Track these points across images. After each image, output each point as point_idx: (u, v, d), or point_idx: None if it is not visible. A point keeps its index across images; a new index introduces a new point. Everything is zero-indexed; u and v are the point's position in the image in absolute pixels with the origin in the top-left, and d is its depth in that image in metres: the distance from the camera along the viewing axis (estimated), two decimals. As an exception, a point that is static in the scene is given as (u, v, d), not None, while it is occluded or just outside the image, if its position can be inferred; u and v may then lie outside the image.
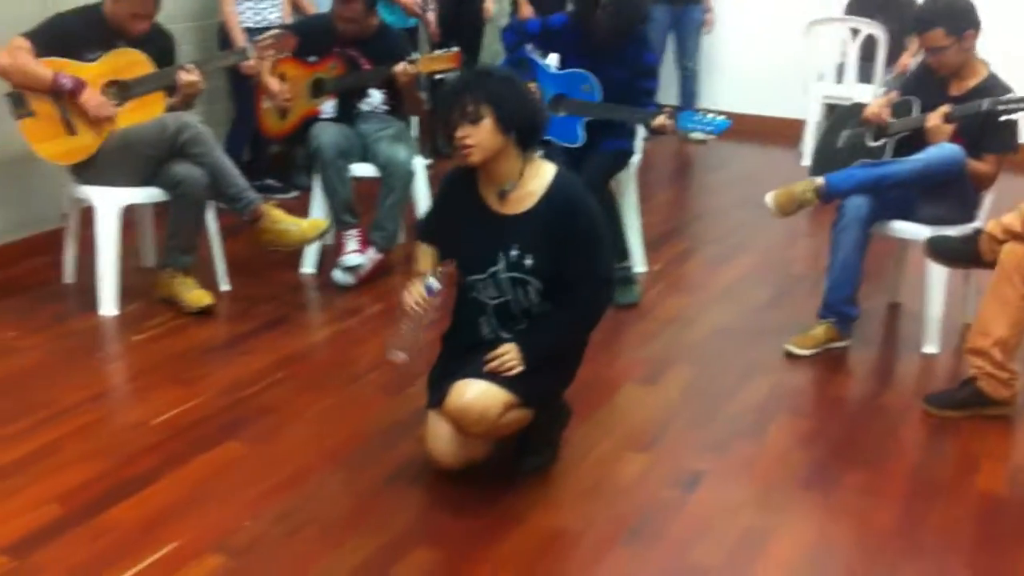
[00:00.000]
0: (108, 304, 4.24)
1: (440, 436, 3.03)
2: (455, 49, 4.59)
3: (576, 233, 2.94)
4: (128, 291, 4.33)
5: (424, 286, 3.02)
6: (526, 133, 2.96)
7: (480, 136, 2.88)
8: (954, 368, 3.99)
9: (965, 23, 3.95)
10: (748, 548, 2.84)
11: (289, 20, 5.45)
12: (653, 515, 3.00)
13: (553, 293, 3.00)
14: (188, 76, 4.22)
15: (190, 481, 3.09)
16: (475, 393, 2.90)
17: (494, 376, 2.93)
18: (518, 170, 2.98)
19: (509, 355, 2.95)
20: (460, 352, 3.09)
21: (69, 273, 4.56)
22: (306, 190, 5.33)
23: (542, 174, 3.00)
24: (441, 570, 2.74)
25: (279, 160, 6.00)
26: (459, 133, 2.89)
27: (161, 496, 3.00)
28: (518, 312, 3.03)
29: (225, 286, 4.53)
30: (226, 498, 3.01)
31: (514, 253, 2.96)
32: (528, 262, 2.95)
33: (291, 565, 2.72)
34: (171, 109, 4.27)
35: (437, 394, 3.04)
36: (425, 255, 3.20)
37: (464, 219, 3.04)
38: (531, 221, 2.96)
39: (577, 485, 3.13)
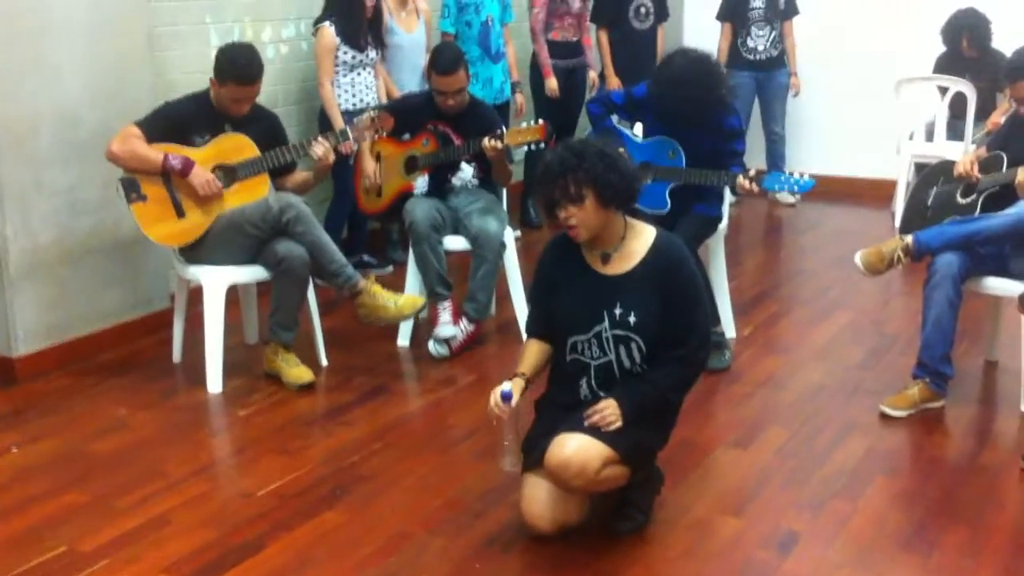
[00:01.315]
0: (214, 381, 4.40)
1: (536, 499, 3.10)
2: (541, 122, 4.72)
3: (678, 290, 3.06)
4: (233, 367, 4.50)
5: (500, 393, 3.09)
6: (626, 201, 3.08)
7: (584, 215, 3.01)
8: (1056, 425, 3.93)
9: None
10: (845, 610, 2.84)
11: (384, 101, 5.65)
12: (748, 576, 3.01)
13: (654, 353, 3.07)
14: (324, 147, 4.47)
15: (294, 549, 3.18)
16: (575, 447, 2.97)
17: (594, 431, 3.00)
18: (620, 234, 3.10)
19: (609, 410, 3.03)
20: (556, 414, 3.16)
21: (177, 351, 4.73)
22: (401, 264, 5.50)
23: (644, 235, 3.12)
24: (538, 633, 2.79)
25: (376, 236, 6.18)
26: (563, 214, 3.02)
27: (266, 565, 3.10)
28: (620, 374, 3.10)
29: (324, 360, 4.67)
30: (328, 565, 3.09)
31: (619, 311, 3.05)
32: (632, 319, 3.04)
33: (392, 630, 2.79)
34: (305, 186, 4.61)
35: (533, 456, 3.13)
36: (530, 352, 3.26)
37: (567, 281, 3.12)
38: (635, 280, 3.07)
39: (672, 548, 3.16)
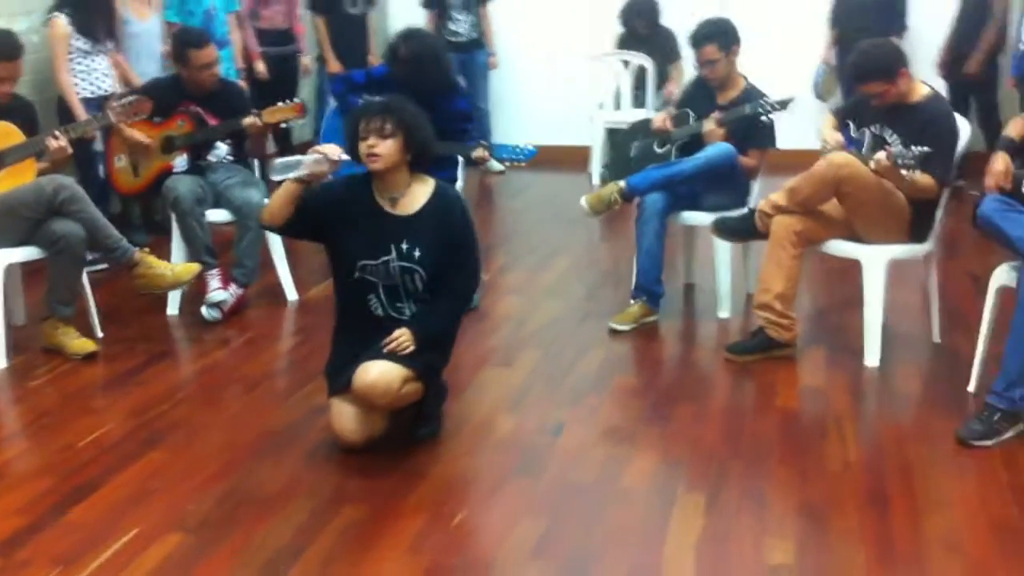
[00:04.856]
0: (-1, 357, 4.57)
1: (346, 416, 3.62)
2: (297, 100, 5.17)
3: (455, 231, 3.65)
4: (6, 347, 4.63)
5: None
6: (420, 157, 3.65)
7: (387, 150, 3.53)
8: (744, 326, 4.86)
9: (732, 40, 4.92)
10: (613, 468, 3.57)
11: (118, 89, 5.87)
12: (532, 455, 3.68)
13: (434, 284, 3.65)
14: (58, 142, 4.63)
15: (132, 483, 3.53)
16: (378, 371, 3.50)
17: (392, 356, 3.54)
18: (407, 182, 3.66)
19: (403, 337, 3.58)
20: (352, 343, 3.68)
21: (-51, 335, 4.82)
22: (143, 246, 5.75)
23: (425, 184, 3.70)
24: (369, 520, 3.29)
25: (116, 222, 6.35)
26: (371, 141, 3.52)
27: (111, 497, 3.43)
28: (404, 294, 3.65)
29: (100, 332, 4.90)
30: (168, 491, 3.47)
31: (405, 246, 3.60)
32: (416, 253, 3.60)
33: (243, 532, 3.21)
34: (41, 174, 4.68)
35: (339, 381, 3.65)
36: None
37: (360, 216, 3.62)
38: (419, 220, 3.63)
39: (464, 443, 3.78)
